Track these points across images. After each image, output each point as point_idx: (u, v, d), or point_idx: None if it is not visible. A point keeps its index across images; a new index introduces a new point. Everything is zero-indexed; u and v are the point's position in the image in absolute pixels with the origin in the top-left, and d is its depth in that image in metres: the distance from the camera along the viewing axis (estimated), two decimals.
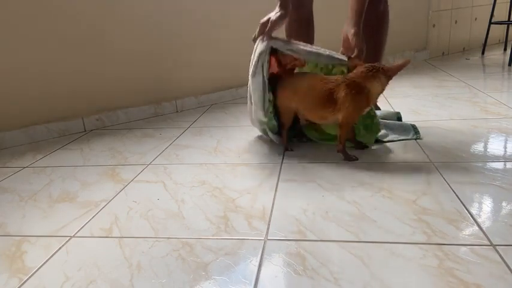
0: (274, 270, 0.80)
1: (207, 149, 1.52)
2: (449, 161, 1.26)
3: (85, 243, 0.94)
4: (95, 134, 1.80)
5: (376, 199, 1.06)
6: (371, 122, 1.40)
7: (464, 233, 0.89)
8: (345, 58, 1.34)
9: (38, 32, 1.69)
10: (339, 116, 1.28)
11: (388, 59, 3.14)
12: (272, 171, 1.27)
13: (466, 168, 1.20)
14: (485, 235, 0.87)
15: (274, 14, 1.40)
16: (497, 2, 3.33)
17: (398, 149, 1.40)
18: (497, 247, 0.83)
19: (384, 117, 1.65)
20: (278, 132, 1.48)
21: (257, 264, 0.82)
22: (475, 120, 1.65)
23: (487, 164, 1.23)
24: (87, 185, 1.26)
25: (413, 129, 1.53)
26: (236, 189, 1.16)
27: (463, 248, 0.83)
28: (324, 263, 0.81)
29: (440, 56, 3.49)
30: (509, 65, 2.84)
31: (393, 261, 0.81)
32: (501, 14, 3.67)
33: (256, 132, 1.68)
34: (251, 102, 1.44)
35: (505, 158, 1.28)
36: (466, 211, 0.97)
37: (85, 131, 1.86)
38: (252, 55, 1.41)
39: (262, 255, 0.85)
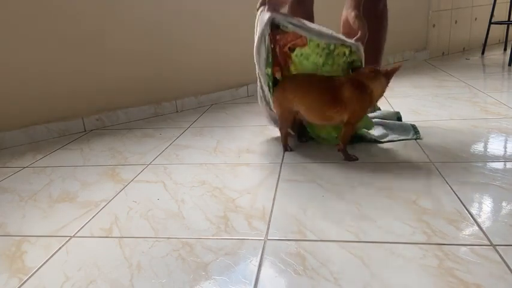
0: (274, 270, 0.80)
1: (207, 149, 1.52)
2: (449, 161, 1.26)
3: (85, 243, 0.94)
4: (95, 134, 1.80)
5: (376, 199, 1.06)
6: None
7: (464, 233, 0.89)
8: (348, 39, 1.30)
9: (38, 32, 1.69)
10: (345, 116, 1.29)
11: (388, 59, 3.14)
12: (272, 171, 1.27)
13: (466, 168, 1.20)
14: (485, 235, 0.87)
15: None
16: (497, 2, 3.33)
17: (398, 149, 1.40)
18: (497, 247, 0.83)
19: (384, 117, 1.65)
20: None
21: (257, 264, 0.82)
22: (475, 120, 1.65)
23: (487, 164, 1.23)
24: (87, 185, 1.26)
25: (413, 129, 1.53)
26: (236, 189, 1.16)
27: (463, 248, 0.83)
28: (324, 263, 0.81)
29: (440, 56, 3.49)
30: (509, 65, 2.84)
31: (393, 261, 0.81)
32: (501, 14, 3.67)
33: (257, 132, 1.68)
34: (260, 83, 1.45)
35: (505, 158, 1.28)
36: (466, 211, 0.97)
37: (85, 131, 1.86)
38: (255, 28, 1.38)
39: (262, 255, 0.85)
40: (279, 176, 1.24)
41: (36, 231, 1.00)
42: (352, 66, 1.35)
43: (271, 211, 1.03)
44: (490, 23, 3.36)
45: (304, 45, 1.33)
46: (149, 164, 1.40)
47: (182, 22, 2.07)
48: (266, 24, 1.31)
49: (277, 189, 1.15)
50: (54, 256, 0.89)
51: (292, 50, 1.36)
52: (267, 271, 0.80)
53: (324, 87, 1.30)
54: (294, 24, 1.31)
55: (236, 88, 2.32)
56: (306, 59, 1.35)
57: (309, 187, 1.15)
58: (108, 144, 1.65)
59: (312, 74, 1.37)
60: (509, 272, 0.75)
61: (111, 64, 1.89)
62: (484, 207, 0.99)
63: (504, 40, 3.93)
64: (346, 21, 1.33)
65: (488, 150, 1.36)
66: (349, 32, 1.33)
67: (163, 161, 1.41)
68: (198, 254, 0.87)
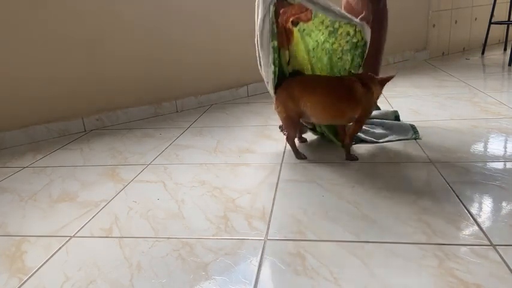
0: (274, 270, 0.80)
1: (207, 149, 1.52)
2: (449, 161, 1.26)
3: (85, 243, 0.94)
4: (95, 134, 1.80)
5: (376, 199, 1.06)
6: None
7: (464, 233, 0.89)
8: (354, 18, 1.28)
9: (38, 33, 1.69)
10: (357, 114, 1.31)
11: (388, 59, 3.14)
12: (272, 171, 1.27)
13: (466, 168, 1.20)
14: (485, 235, 0.87)
15: None
16: (497, 2, 3.33)
17: (398, 149, 1.40)
18: (497, 247, 0.83)
19: (383, 117, 1.65)
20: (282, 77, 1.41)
21: (257, 264, 0.82)
22: (475, 120, 1.65)
23: (487, 164, 1.23)
24: (87, 185, 1.26)
25: (412, 129, 1.53)
26: (236, 189, 1.16)
27: (463, 248, 0.83)
28: (324, 263, 0.81)
29: (440, 56, 3.49)
30: (509, 65, 2.84)
31: (393, 261, 0.80)
32: (501, 14, 3.67)
33: (257, 132, 1.68)
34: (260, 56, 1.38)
35: (505, 158, 1.28)
36: (466, 211, 0.97)
37: (85, 131, 1.86)
38: (256, 3, 1.33)
39: (262, 255, 0.85)
40: (279, 176, 1.24)
41: (36, 231, 1.00)
42: (355, 47, 1.33)
43: (271, 211, 1.03)
44: (490, 23, 3.36)
45: (308, 20, 1.30)
46: (149, 164, 1.40)
47: (182, 22, 2.07)
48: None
49: (277, 189, 1.15)
50: (54, 256, 0.89)
51: (295, 23, 1.32)
52: (267, 271, 0.80)
53: (336, 85, 1.30)
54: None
55: (236, 88, 2.32)
56: (308, 35, 1.33)
57: (309, 187, 1.15)
58: (108, 144, 1.65)
59: (314, 75, 1.38)
60: (509, 272, 0.75)
61: (111, 64, 1.89)
62: (484, 207, 0.99)
63: (504, 40, 3.93)
64: (347, 4, 1.31)
65: (488, 150, 1.36)
66: (349, 13, 1.32)
67: (163, 161, 1.41)
68: (198, 254, 0.87)
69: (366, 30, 1.29)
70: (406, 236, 0.88)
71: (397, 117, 1.66)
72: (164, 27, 2.01)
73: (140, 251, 0.89)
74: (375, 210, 1.00)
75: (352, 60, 1.35)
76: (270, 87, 1.38)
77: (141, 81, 1.99)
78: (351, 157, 1.33)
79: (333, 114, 1.31)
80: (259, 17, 1.30)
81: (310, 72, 1.41)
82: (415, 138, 1.47)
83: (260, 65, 1.38)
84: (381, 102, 1.50)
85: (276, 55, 1.32)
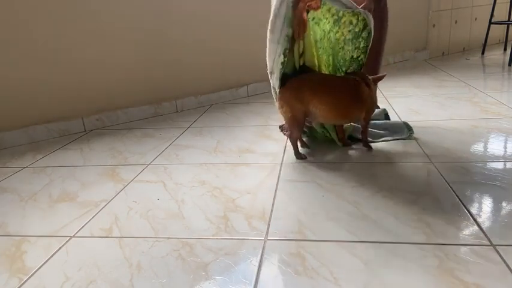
0: (274, 270, 0.80)
1: (207, 149, 1.52)
2: (449, 161, 1.26)
3: (85, 243, 0.94)
4: (95, 134, 1.80)
5: (376, 199, 1.06)
6: None
7: (464, 233, 0.89)
8: (358, 8, 1.28)
9: (37, 33, 1.69)
10: (364, 113, 1.34)
11: (388, 59, 3.14)
12: (272, 171, 1.27)
13: (466, 168, 1.20)
14: (485, 235, 0.87)
15: None
16: (497, 2, 3.33)
17: (398, 149, 1.40)
18: (497, 247, 0.83)
19: (374, 117, 1.65)
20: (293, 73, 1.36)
21: (257, 264, 0.82)
22: (475, 120, 1.65)
23: (487, 164, 1.23)
24: (87, 185, 1.26)
25: (406, 126, 1.53)
26: (236, 189, 1.16)
27: (463, 248, 0.83)
28: (324, 263, 0.81)
29: (440, 56, 3.49)
30: (509, 65, 2.84)
31: (393, 261, 0.80)
32: (501, 14, 3.67)
33: (257, 132, 1.68)
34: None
35: (505, 158, 1.28)
36: (466, 211, 0.97)
37: (85, 131, 1.86)
38: None
39: (262, 255, 0.85)
40: (279, 176, 1.24)
41: (36, 231, 1.00)
42: (357, 37, 1.32)
43: (271, 211, 1.03)
44: (490, 23, 3.36)
45: (317, 7, 1.29)
46: (149, 164, 1.40)
47: (182, 22, 2.07)
48: None
49: (277, 189, 1.15)
50: (54, 256, 0.89)
51: (307, 12, 1.30)
52: (267, 271, 0.80)
53: (343, 85, 1.31)
54: None
55: (236, 88, 2.32)
56: (316, 24, 1.33)
57: (309, 187, 1.15)
58: (108, 144, 1.65)
59: (321, 73, 1.39)
60: (509, 272, 0.75)
61: (111, 64, 1.89)
62: (484, 207, 0.99)
63: (504, 40, 3.93)
64: None
65: (488, 150, 1.36)
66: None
67: (163, 161, 1.41)
68: (198, 254, 0.87)
69: (370, 18, 1.29)
70: (406, 236, 0.88)
71: (386, 115, 1.67)
72: (164, 27, 2.01)
73: (140, 251, 0.89)
74: (375, 210, 1.00)
75: (354, 50, 1.35)
76: (275, 79, 1.31)
77: (141, 81, 1.99)
78: (370, 146, 1.41)
79: (342, 115, 1.33)
80: (274, 5, 1.24)
81: (316, 67, 1.40)
82: (410, 135, 1.48)
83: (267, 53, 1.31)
84: (380, 103, 1.50)
85: (289, 45, 1.27)
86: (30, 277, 0.83)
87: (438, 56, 3.48)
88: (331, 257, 0.83)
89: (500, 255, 0.80)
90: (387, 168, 1.25)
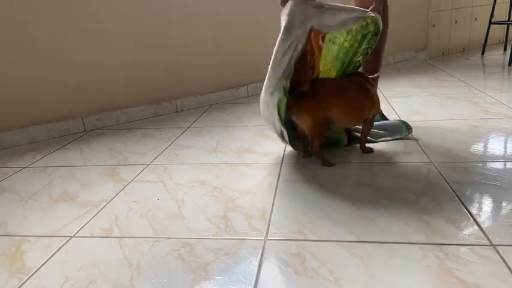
0: (274, 270, 0.80)
1: (207, 149, 1.52)
2: (449, 161, 1.26)
3: (85, 243, 0.94)
4: (95, 134, 1.80)
5: (376, 199, 1.06)
6: None
7: (464, 233, 0.89)
8: (366, 11, 1.26)
9: (37, 32, 1.69)
10: (371, 113, 1.35)
11: (388, 59, 3.14)
12: (272, 171, 1.27)
13: (466, 168, 1.20)
14: (485, 235, 0.87)
15: None
16: (497, 2, 3.33)
17: (398, 149, 1.40)
18: (497, 247, 0.83)
19: None
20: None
21: (257, 264, 0.82)
22: (475, 120, 1.65)
23: (487, 164, 1.23)
24: (87, 185, 1.26)
25: (405, 125, 1.53)
26: (236, 189, 1.16)
27: (463, 248, 0.83)
28: (324, 263, 0.81)
29: (440, 56, 3.49)
30: (509, 65, 2.84)
31: (393, 261, 0.81)
32: (501, 14, 3.67)
33: (257, 132, 1.68)
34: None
35: (505, 158, 1.28)
36: (466, 211, 0.97)
37: (85, 131, 1.86)
38: (282, 22, 1.21)
39: (262, 255, 0.85)
40: (279, 176, 1.24)
41: (36, 231, 1.00)
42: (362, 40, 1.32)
43: (271, 211, 1.03)
44: (490, 23, 3.36)
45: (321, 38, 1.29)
46: (149, 164, 1.40)
47: (182, 22, 2.07)
48: (303, 34, 1.18)
49: (277, 189, 1.15)
50: (54, 256, 0.89)
51: (323, 39, 1.28)
52: (267, 271, 0.80)
53: (354, 87, 1.31)
54: (327, 26, 1.23)
55: (236, 88, 2.32)
56: (333, 42, 1.31)
57: (309, 187, 1.15)
58: (108, 144, 1.65)
59: (329, 78, 1.37)
60: (509, 272, 0.75)
61: (111, 64, 1.89)
62: (484, 207, 0.99)
63: (504, 40, 3.93)
64: None
65: (488, 150, 1.36)
66: (360, 5, 1.32)
67: (163, 161, 1.41)
68: (198, 254, 0.87)
69: (380, 19, 1.28)
70: (406, 236, 0.88)
71: (382, 115, 1.67)
72: (164, 27, 2.01)
73: (140, 251, 0.89)
74: (375, 210, 1.00)
75: (356, 54, 1.35)
76: (277, 122, 1.26)
77: (141, 81, 1.99)
78: (368, 150, 1.39)
79: (357, 117, 1.33)
80: (282, 45, 1.16)
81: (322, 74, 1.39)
82: (409, 133, 1.49)
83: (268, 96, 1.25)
84: (380, 103, 1.50)
85: (284, 96, 1.21)
86: (30, 277, 0.83)
87: (438, 56, 3.49)
88: (331, 257, 0.83)
89: (500, 255, 0.80)
90: (387, 168, 1.25)
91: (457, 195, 1.05)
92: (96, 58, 1.85)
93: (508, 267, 0.77)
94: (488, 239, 0.86)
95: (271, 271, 0.80)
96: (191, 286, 0.77)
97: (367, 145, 1.41)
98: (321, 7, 1.23)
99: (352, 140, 1.47)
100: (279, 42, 1.18)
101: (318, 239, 0.90)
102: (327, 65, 1.37)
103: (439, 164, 1.25)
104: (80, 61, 1.81)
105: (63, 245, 0.93)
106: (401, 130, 1.51)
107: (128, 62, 1.94)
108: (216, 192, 1.15)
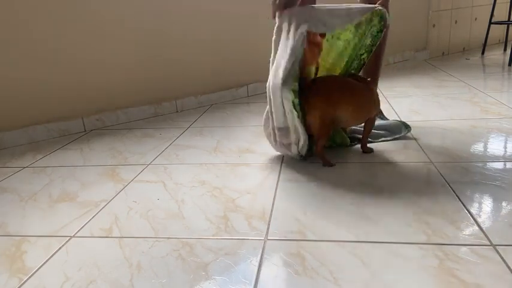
0: (274, 270, 0.80)
1: (207, 149, 1.52)
2: (449, 161, 1.26)
3: (85, 243, 0.94)
4: (95, 134, 1.80)
5: (376, 199, 1.06)
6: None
7: (464, 233, 0.89)
8: (373, 6, 1.25)
9: (37, 33, 1.69)
10: (374, 113, 1.35)
11: (388, 59, 3.14)
12: (272, 171, 1.27)
13: (466, 168, 1.20)
14: (485, 235, 0.87)
15: None
16: (497, 2, 3.33)
17: (398, 149, 1.40)
18: (497, 247, 0.83)
19: None
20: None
21: (257, 264, 0.82)
22: (475, 120, 1.65)
23: (487, 164, 1.23)
24: (87, 185, 1.26)
25: (403, 124, 1.53)
26: (236, 189, 1.16)
27: (463, 248, 0.83)
28: (324, 263, 0.81)
29: (440, 56, 3.49)
30: (509, 65, 2.84)
31: (393, 261, 0.81)
32: (501, 14, 3.67)
33: (257, 132, 1.68)
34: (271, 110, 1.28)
35: (505, 158, 1.28)
36: (466, 211, 0.97)
37: (85, 131, 1.86)
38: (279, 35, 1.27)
39: (262, 255, 0.85)
40: (279, 176, 1.24)
41: (36, 231, 1.00)
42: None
43: (271, 211, 1.03)
44: (490, 23, 3.36)
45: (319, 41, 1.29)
46: (149, 164, 1.40)
47: (182, 22, 2.07)
48: (299, 40, 1.21)
49: (277, 189, 1.15)
50: (54, 256, 0.89)
51: (323, 35, 1.28)
52: (267, 271, 0.80)
53: (360, 86, 1.31)
54: (326, 25, 1.24)
55: (236, 88, 2.32)
56: (337, 38, 1.29)
57: (309, 187, 1.15)
58: (108, 144, 1.65)
59: (336, 76, 1.36)
60: (509, 272, 0.75)
61: (111, 64, 1.89)
62: (484, 207, 0.99)
63: (504, 40, 3.93)
64: None
65: (488, 150, 1.36)
66: (365, 3, 1.33)
67: (163, 161, 1.41)
68: (198, 254, 0.87)
69: (386, 14, 1.27)
70: (406, 236, 0.88)
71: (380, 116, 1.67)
72: (164, 27, 2.01)
73: (140, 251, 0.89)
74: (375, 210, 1.00)
75: (361, 48, 1.34)
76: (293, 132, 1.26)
77: (141, 81, 1.99)
78: (369, 150, 1.39)
79: (364, 115, 1.33)
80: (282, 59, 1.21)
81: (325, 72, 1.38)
82: (408, 132, 1.49)
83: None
84: (381, 102, 1.50)
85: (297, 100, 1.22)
86: (30, 277, 0.83)
87: (438, 56, 3.49)
88: (331, 257, 0.83)
89: (500, 255, 0.80)
90: (387, 168, 1.25)
91: (457, 195, 1.05)
92: (96, 58, 1.85)
93: (508, 267, 0.77)
94: (488, 239, 0.86)
95: (271, 271, 0.80)
96: (191, 286, 0.77)
97: (367, 145, 1.41)
98: (316, 10, 1.26)
99: (352, 140, 1.48)
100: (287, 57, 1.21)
101: (318, 239, 0.90)
102: (330, 60, 1.34)
103: (439, 164, 1.25)
104: (80, 61, 1.81)
105: (63, 245, 0.93)
106: (400, 129, 1.52)
107: (128, 62, 1.94)
108: (216, 192, 1.15)
